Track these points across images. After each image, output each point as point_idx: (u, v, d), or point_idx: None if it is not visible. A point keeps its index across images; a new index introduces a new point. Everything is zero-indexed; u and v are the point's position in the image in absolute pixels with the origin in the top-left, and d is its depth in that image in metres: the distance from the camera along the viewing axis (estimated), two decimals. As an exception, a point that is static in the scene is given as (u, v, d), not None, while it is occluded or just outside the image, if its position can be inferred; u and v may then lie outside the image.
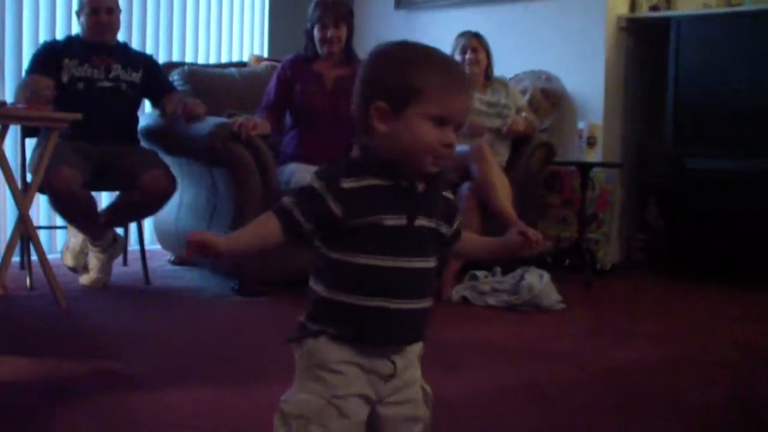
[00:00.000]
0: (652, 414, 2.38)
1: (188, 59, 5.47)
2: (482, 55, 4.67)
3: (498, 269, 4.07)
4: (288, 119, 4.29)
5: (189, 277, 4.37)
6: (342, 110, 4.17)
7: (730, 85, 4.70)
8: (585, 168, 4.67)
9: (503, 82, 4.78)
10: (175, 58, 5.41)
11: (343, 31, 4.20)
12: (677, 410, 2.42)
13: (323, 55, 4.21)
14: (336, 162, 1.44)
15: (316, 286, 1.45)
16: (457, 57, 4.64)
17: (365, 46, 5.67)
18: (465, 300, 3.90)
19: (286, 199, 1.40)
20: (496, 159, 4.37)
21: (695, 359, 3.04)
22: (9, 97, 4.21)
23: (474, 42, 4.66)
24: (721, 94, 4.75)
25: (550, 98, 5.20)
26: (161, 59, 5.00)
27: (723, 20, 4.83)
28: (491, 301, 3.86)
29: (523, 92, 5.13)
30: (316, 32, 4.17)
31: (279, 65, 4.34)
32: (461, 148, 4.21)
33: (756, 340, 3.39)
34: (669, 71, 4.87)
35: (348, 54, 4.26)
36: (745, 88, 4.64)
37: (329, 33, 4.15)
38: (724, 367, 2.94)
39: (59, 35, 4.74)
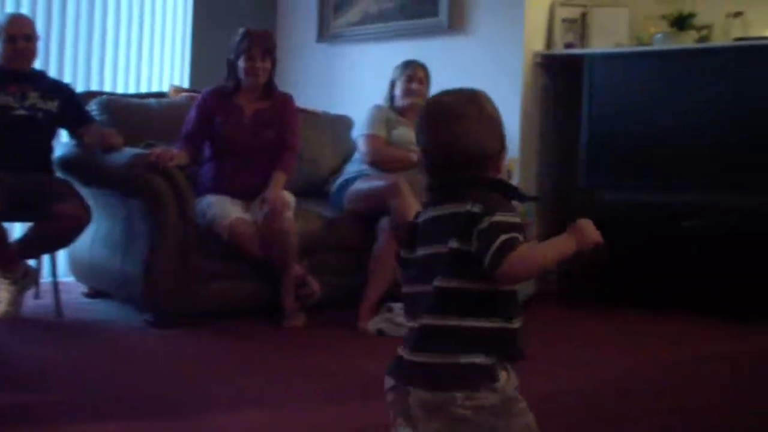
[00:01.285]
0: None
1: (107, 89, 5.41)
2: (425, 89, 4.62)
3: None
4: (207, 150, 4.28)
5: (103, 310, 4.30)
6: (261, 143, 4.18)
7: (641, 120, 4.84)
8: (502, 201, 4.73)
9: None
10: (94, 87, 5.35)
11: (269, 64, 4.22)
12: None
13: (246, 86, 4.21)
14: (494, 196, 1.60)
15: (488, 323, 1.55)
16: (400, 85, 4.59)
17: (287, 78, 5.73)
18: (381, 332, 3.91)
19: (514, 235, 1.52)
20: (419, 198, 4.40)
21: (607, 386, 3.12)
22: None
23: (421, 73, 4.62)
24: (632, 128, 4.88)
25: (467, 132, 5.27)
26: (79, 88, 4.95)
27: (634, 59, 4.98)
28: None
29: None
30: (242, 63, 4.16)
31: (199, 96, 4.33)
32: (377, 183, 4.24)
33: (652, 367, 3.49)
34: (583, 106, 5.00)
35: (269, 87, 4.28)
36: (655, 122, 4.79)
37: (257, 64, 4.15)
38: (638, 390, 3.02)
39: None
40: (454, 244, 1.56)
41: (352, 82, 5.97)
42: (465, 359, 1.53)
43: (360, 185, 4.38)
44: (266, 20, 6.38)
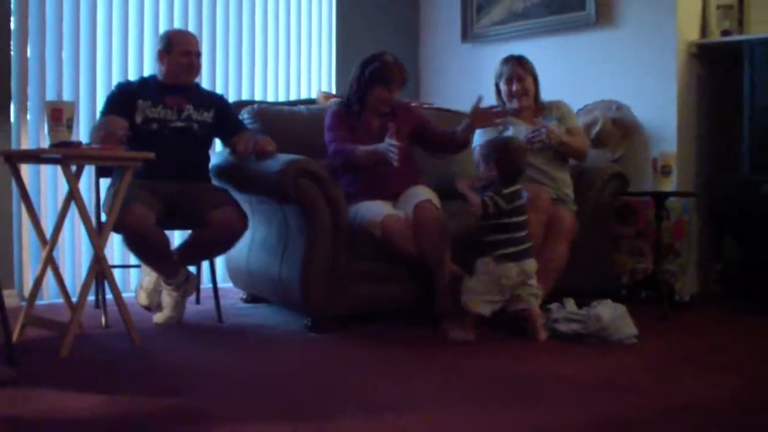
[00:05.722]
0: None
1: (257, 97, 5.54)
2: (529, 82, 4.48)
3: (570, 300, 3.97)
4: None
5: (262, 315, 4.38)
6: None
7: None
8: (660, 198, 4.57)
9: (556, 106, 4.56)
10: (245, 96, 5.48)
11: (398, 94, 4.30)
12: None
13: (371, 109, 4.26)
14: None
15: None
16: (503, 87, 4.49)
17: (431, 78, 5.72)
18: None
19: None
20: (562, 189, 4.32)
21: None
22: (84, 138, 4.30)
23: (518, 70, 4.46)
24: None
25: (621, 128, 5.12)
26: (231, 98, 5.08)
27: (798, 44, 4.72)
28: (562, 327, 3.78)
29: (594, 123, 5.05)
30: (376, 90, 4.20)
31: (330, 114, 4.32)
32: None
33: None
34: (744, 97, 4.76)
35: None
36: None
37: (393, 95, 4.24)
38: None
39: (131, 77, 4.84)
40: None
41: (498, 82, 5.89)
42: None
43: None
44: (409, 24, 6.39)
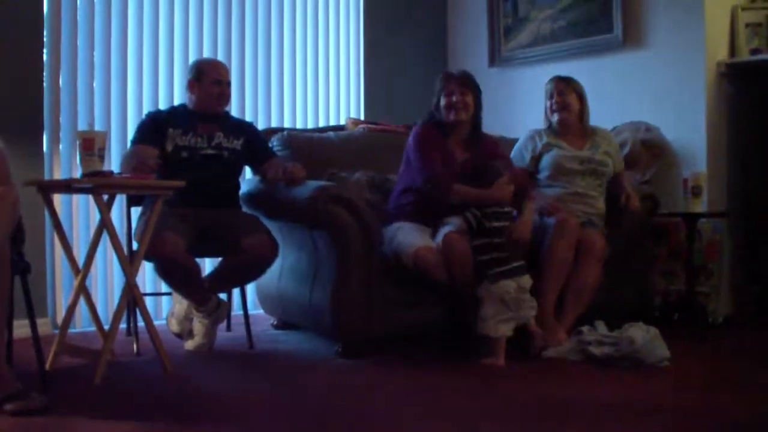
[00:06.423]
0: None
1: (287, 124, 5.56)
2: (571, 99, 4.47)
3: (601, 323, 3.94)
4: (404, 182, 4.22)
5: (293, 341, 4.38)
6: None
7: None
8: (691, 219, 4.53)
9: (607, 138, 4.57)
10: (274, 123, 5.51)
11: (470, 98, 4.18)
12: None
13: (450, 121, 4.16)
14: None
15: None
16: (546, 103, 4.52)
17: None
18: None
19: None
20: (595, 213, 4.30)
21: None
22: (115, 167, 4.34)
23: (560, 86, 4.49)
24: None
25: (651, 149, 5.09)
26: (260, 125, 5.11)
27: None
28: (594, 350, 3.74)
29: (623, 144, 5.02)
30: (441, 101, 4.16)
31: (417, 133, 4.21)
32: (550, 220, 4.11)
33: None
34: (775, 115, 4.73)
35: (476, 131, 4.27)
36: None
37: (456, 99, 4.13)
38: None
39: (161, 106, 4.89)
40: None
41: (527, 106, 5.88)
42: None
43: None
44: (437, 50, 6.41)
